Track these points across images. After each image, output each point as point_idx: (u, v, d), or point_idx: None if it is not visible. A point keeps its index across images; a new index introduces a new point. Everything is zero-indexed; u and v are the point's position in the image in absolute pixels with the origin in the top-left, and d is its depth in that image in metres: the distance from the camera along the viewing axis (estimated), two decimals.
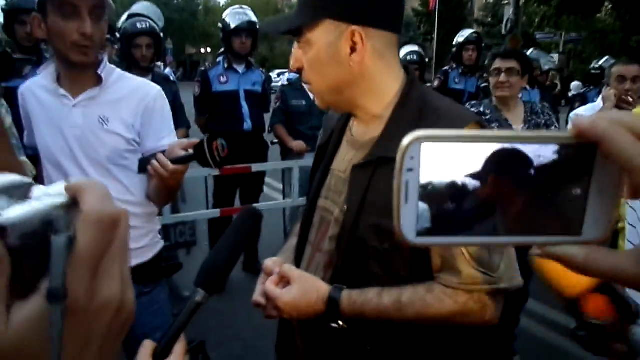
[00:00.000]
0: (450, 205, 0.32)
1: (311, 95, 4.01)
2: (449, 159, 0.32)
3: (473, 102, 2.61)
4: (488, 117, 2.51)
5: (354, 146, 1.05)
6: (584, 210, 0.33)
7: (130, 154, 1.56)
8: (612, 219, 0.33)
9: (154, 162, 1.36)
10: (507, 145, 0.32)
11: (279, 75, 24.38)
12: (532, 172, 0.32)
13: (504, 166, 0.32)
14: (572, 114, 2.94)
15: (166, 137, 1.59)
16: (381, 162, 0.94)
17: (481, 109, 2.52)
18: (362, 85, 0.98)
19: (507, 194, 0.32)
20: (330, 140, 1.13)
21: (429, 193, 0.32)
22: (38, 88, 1.55)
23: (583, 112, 2.89)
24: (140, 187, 1.60)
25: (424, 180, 0.32)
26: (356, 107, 1.02)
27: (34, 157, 1.64)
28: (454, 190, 0.32)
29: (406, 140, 0.32)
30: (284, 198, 4.16)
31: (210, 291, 0.87)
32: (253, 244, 4.10)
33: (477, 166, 0.32)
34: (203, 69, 3.94)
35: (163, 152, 1.49)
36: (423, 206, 0.33)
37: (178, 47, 37.47)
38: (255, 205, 3.71)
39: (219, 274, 0.88)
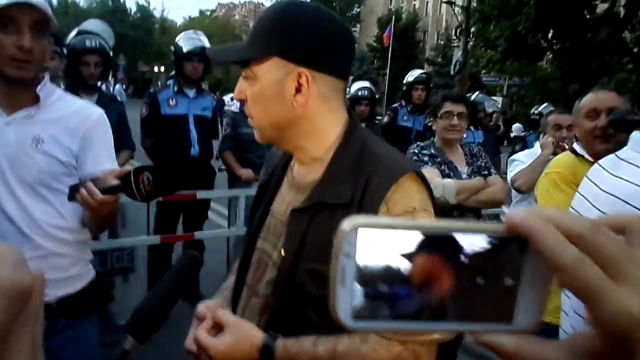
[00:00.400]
0: (385, 290, 0.33)
1: None
2: (385, 244, 0.32)
3: (422, 144, 2.66)
4: (438, 159, 2.56)
5: (294, 188, 1.04)
6: (515, 299, 0.33)
7: (65, 177, 1.48)
8: (543, 309, 0.33)
9: (82, 190, 1.30)
10: (441, 233, 0.33)
11: (232, 99, 24.28)
12: (465, 259, 0.33)
13: (437, 253, 0.32)
14: (511, 158, 3.05)
15: (105, 162, 1.53)
16: (320, 206, 0.93)
17: (432, 151, 2.57)
18: (304, 126, 0.98)
19: (438, 280, 0.32)
20: (271, 179, 1.12)
21: (365, 277, 0.33)
22: None
23: (522, 157, 3.01)
24: (73, 213, 1.52)
25: (361, 264, 0.33)
26: (296, 147, 1.02)
27: None
28: (389, 275, 0.33)
29: (345, 225, 0.32)
30: (228, 226, 4.08)
31: (141, 339, 0.82)
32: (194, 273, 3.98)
33: (412, 252, 0.32)
34: (152, 90, 3.86)
35: (94, 179, 1.43)
36: (359, 290, 0.33)
37: (131, 63, 36.74)
38: (198, 233, 3.63)
39: (151, 322, 0.84)
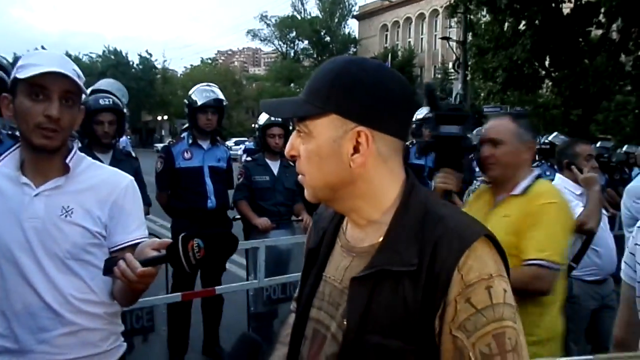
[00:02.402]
0: None
1: (274, 170, 4.02)
2: None
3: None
4: None
5: (350, 253, 0.97)
6: None
7: (94, 248, 1.44)
8: None
9: (121, 263, 1.22)
10: None
11: (236, 143, 24.48)
12: None
13: None
14: None
15: (135, 230, 1.48)
16: (383, 274, 0.87)
17: None
18: (361, 187, 0.92)
19: None
20: (322, 243, 1.06)
21: None
22: None
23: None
24: (103, 286, 1.46)
25: None
26: (351, 208, 0.96)
27: None
28: None
29: None
30: (247, 275, 3.99)
31: None
32: (214, 326, 3.88)
33: None
34: (167, 144, 3.86)
35: (132, 248, 1.38)
36: None
37: (134, 114, 37.36)
38: (219, 287, 3.54)
39: None
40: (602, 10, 14.31)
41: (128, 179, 1.53)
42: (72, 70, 1.36)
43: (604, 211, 3.13)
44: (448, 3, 16.62)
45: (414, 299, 0.84)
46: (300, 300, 1.07)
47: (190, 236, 1.14)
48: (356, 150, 0.89)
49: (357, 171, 0.90)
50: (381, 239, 0.91)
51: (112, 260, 1.28)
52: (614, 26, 14.56)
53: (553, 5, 14.13)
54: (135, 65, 44.06)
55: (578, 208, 2.77)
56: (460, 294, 0.82)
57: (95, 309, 1.44)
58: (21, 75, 1.31)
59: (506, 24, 15.02)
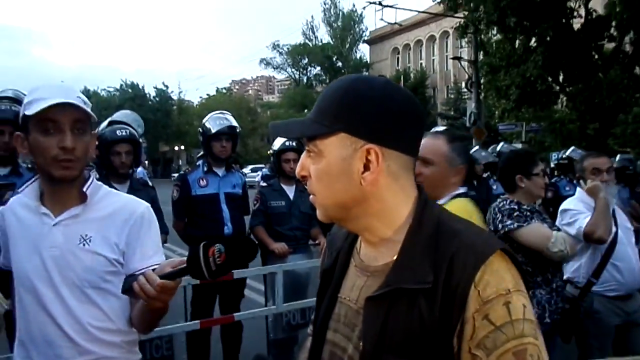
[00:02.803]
0: None
1: (290, 195, 4.03)
2: None
3: (507, 200, 2.63)
4: (540, 215, 2.67)
5: (365, 272, 0.96)
6: None
7: (112, 276, 1.45)
8: None
9: (140, 278, 1.24)
10: None
11: (253, 170, 24.60)
12: None
13: None
14: (563, 207, 3.02)
15: (153, 257, 1.49)
16: (398, 293, 0.86)
17: (527, 207, 2.61)
18: (373, 205, 0.92)
19: None
20: (336, 264, 1.05)
21: None
22: (19, 206, 1.47)
23: (574, 205, 2.97)
24: (121, 314, 1.47)
25: None
26: (364, 227, 0.95)
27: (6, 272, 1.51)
28: None
29: None
30: (265, 301, 3.97)
31: None
32: (234, 353, 3.85)
33: None
34: (182, 172, 3.90)
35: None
36: None
37: (152, 145, 37.96)
38: (237, 314, 3.52)
39: None
40: (613, 23, 14.26)
41: (144, 205, 1.54)
42: (77, 98, 1.38)
43: (628, 225, 3.08)
44: (458, 24, 16.73)
45: (431, 317, 0.82)
46: (316, 323, 1.06)
47: (210, 243, 1.14)
48: (366, 168, 0.89)
49: (368, 189, 0.90)
50: (395, 257, 0.90)
51: (131, 277, 1.29)
52: (627, 38, 14.46)
53: (563, 20, 14.11)
54: (152, 97, 44.96)
55: (587, 219, 2.75)
56: (478, 310, 0.80)
57: (113, 337, 1.45)
58: (29, 112, 1.34)
59: (517, 42, 15.01)
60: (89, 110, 1.41)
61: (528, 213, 2.55)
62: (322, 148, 0.91)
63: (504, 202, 2.60)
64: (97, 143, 3.39)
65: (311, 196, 0.97)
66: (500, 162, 2.96)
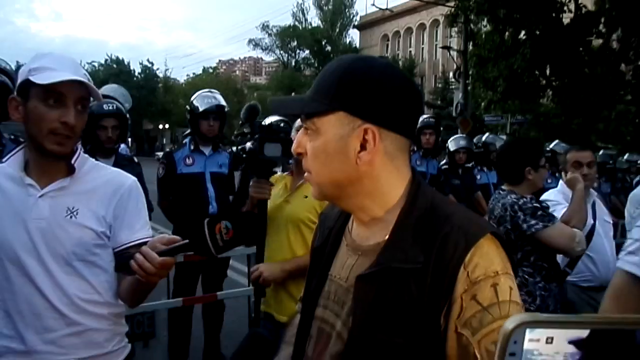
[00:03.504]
0: None
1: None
2: (553, 341, 0.32)
3: (524, 197, 2.55)
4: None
5: (356, 251, 0.97)
6: None
7: (99, 249, 1.44)
8: None
9: (138, 256, 1.24)
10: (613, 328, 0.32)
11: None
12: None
13: (605, 348, 0.32)
14: (541, 198, 3.01)
15: (140, 230, 1.49)
16: (389, 272, 0.87)
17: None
18: (367, 184, 0.93)
19: None
20: (327, 242, 1.06)
21: None
22: (2, 176, 1.43)
23: (554, 197, 3.00)
24: (108, 286, 1.47)
25: None
26: (357, 206, 0.96)
27: None
28: None
29: (510, 324, 0.32)
30: (249, 283, 3.98)
31: None
32: (215, 332, 3.87)
33: (581, 348, 0.32)
34: (168, 150, 3.87)
35: (136, 248, 1.38)
36: None
37: (136, 122, 37.42)
38: (220, 293, 3.54)
39: None
40: (602, 20, 14.39)
41: (132, 179, 1.54)
42: (84, 75, 1.37)
43: (607, 218, 3.15)
44: (448, 13, 16.72)
45: (420, 297, 0.84)
46: (305, 300, 1.07)
47: (215, 219, 1.15)
48: (363, 147, 0.89)
49: (363, 169, 0.91)
50: (387, 237, 0.91)
51: (125, 255, 1.29)
52: (614, 36, 14.62)
53: (553, 15, 14.20)
54: (137, 73, 44.26)
55: (563, 210, 2.79)
56: (466, 291, 0.82)
57: (100, 309, 1.45)
58: (37, 80, 1.31)
59: (506, 34, 15.07)
60: (95, 89, 1.39)
61: (547, 210, 2.49)
62: (319, 126, 0.91)
63: (525, 200, 2.50)
64: None
65: (306, 174, 0.97)
66: (505, 152, 2.80)
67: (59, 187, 1.41)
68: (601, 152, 6.49)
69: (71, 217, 1.40)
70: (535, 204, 2.48)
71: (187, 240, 1.19)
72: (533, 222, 2.42)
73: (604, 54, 14.55)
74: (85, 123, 1.41)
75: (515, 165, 2.62)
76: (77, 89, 1.35)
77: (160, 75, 46.82)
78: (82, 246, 1.40)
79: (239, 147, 2.26)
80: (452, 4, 16.12)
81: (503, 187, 2.67)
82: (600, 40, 14.85)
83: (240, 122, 3.07)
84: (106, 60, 44.03)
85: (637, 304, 1.37)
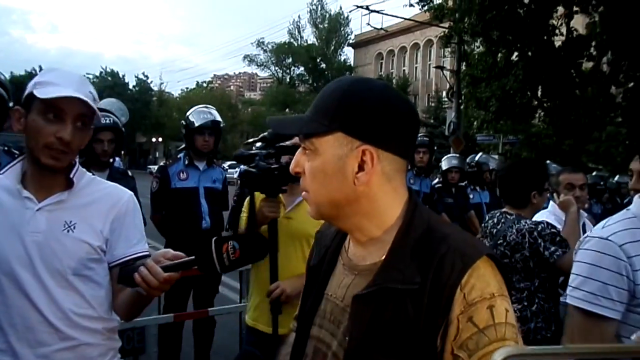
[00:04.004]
0: None
1: None
2: None
3: (543, 220, 2.51)
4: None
5: (352, 271, 0.98)
6: None
7: (95, 264, 1.44)
8: None
9: (142, 269, 1.24)
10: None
11: (231, 166, 24.42)
12: None
13: None
14: (534, 218, 3.03)
15: (137, 245, 1.49)
16: (385, 292, 0.88)
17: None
18: (364, 205, 0.93)
19: None
20: (324, 261, 1.06)
21: None
22: None
23: (546, 218, 3.01)
24: (102, 301, 1.46)
25: None
26: (354, 226, 0.97)
27: None
28: None
29: (497, 357, 0.36)
30: (240, 299, 3.96)
31: None
32: (206, 349, 3.83)
33: None
34: (163, 164, 3.87)
35: (132, 263, 1.39)
36: None
37: (129, 135, 37.29)
38: (212, 309, 3.51)
39: None
40: (593, 43, 14.64)
41: (129, 193, 1.54)
42: (88, 93, 1.37)
43: None
44: (442, 34, 16.93)
45: (416, 318, 0.85)
46: (301, 318, 1.07)
47: (223, 239, 1.17)
48: (361, 168, 0.91)
49: (361, 189, 0.92)
50: (384, 257, 0.92)
51: (130, 268, 1.29)
52: (605, 59, 14.85)
53: (545, 37, 14.43)
54: (131, 86, 44.25)
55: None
56: (463, 312, 0.83)
57: (94, 324, 1.44)
58: (39, 94, 1.32)
59: (499, 55, 15.28)
60: (95, 107, 1.39)
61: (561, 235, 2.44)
62: (318, 146, 0.92)
63: (543, 226, 2.43)
64: None
65: (303, 193, 0.98)
66: (510, 175, 2.70)
67: (56, 200, 1.41)
68: (594, 173, 6.55)
69: (68, 231, 1.40)
70: (553, 230, 2.42)
71: (192, 257, 1.20)
72: (553, 248, 2.36)
73: (594, 76, 14.76)
74: (84, 140, 1.41)
75: (521, 189, 2.58)
76: (77, 106, 1.35)
77: (155, 88, 46.85)
78: (79, 260, 1.40)
79: (251, 165, 2.22)
80: (446, 25, 16.35)
81: (507, 210, 2.62)
82: (591, 63, 15.09)
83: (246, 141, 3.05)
84: (101, 72, 43.98)
85: (596, 336, 1.39)
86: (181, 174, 3.69)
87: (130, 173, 3.70)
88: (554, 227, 2.46)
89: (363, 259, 0.97)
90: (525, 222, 2.47)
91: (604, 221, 1.59)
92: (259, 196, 2.31)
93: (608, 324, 1.40)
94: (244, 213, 2.36)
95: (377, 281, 0.89)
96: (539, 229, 2.41)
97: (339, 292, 0.98)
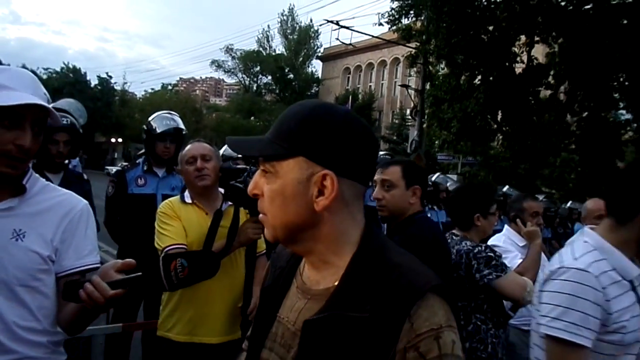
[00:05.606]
0: None
1: None
2: None
3: (480, 245, 2.52)
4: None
5: (305, 295, 0.97)
6: None
7: (43, 275, 1.37)
8: None
9: (88, 286, 1.19)
10: None
11: None
12: None
13: None
14: (490, 244, 3.08)
15: (88, 256, 1.44)
16: (336, 319, 0.87)
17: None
18: (322, 229, 0.93)
19: None
20: (278, 282, 1.06)
21: None
22: None
23: (503, 244, 3.06)
24: (48, 313, 1.40)
25: None
26: (310, 250, 0.96)
27: None
28: None
29: None
30: None
31: None
32: None
33: None
34: (121, 168, 3.77)
35: (81, 275, 1.34)
36: None
37: (88, 134, 36.22)
38: None
39: None
40: (552, 72, 15.26)
41: (83, 202, 1.49)
42: (43, 95, 1.32)
43: (546, 264, 3.27)
44: (409, 53, 17.29)
45: (366, 346, 0.85)
46: (252, 340, 1.06)
47: (171, 256, 1.13)
48: (321, 193, 0.90)
49: (319, 214, 0.92)
50: (337, 282, 0.92)
51: (75, 283, 1.23)
52: (562, 88, 15.50)
53: (507, 64, 14.95)
54: (93, 85, 43.07)
55: (517, 259, 2.85)
56: (410, 342, 0.83)
57: (39, 337, 1.37)
58: None
59: (462, 78, 15.72)
60: (53, 111, 1.33)
61: (500, 259, 2.47)
62: (278, 169, 0.92)
63: (480, 249, 2.47)
64: None
65: (261, 215, 0.97)
66: (455, 197, 2.79)
67: (6, 207, 1.34)
68: (541, 197, 6.78)
69: (17, 239, 1.33)
70: (489, 254, 2.45)
71: (140, 273, 1.16)
72: (486, 271, 2.39)
73: (551, 104, 15.38)
74: (39, 145, 1.35)
75: (464, 211, 2.62)
76: (35, 110, 1.29)
77: (118, 88, 45.77)
78: (26, 271, 1.34)
79: (239, 180, 2.18)
80: (413, 45, 16.71)
81: (455, 231, 2.66)
82: (549, 91, 15.73)
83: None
84: (62, 68, 42.66)
85: None
86: (139, 180, 3.60)
87: (85, 176, 3.59)
88: (493, 251, 2.49)
89: (317, 283, 0.97)
90: (465, 244, 2.50)
91: (569, 252, 1.60)
92: (243, 212, 2.33)
93: (585, 352, 1.44)
94: (222, 227, 2.33)
95: (329, 307, 0.89)
96: (475, 251, 2.44)
97: (291, 315, 0.97)
